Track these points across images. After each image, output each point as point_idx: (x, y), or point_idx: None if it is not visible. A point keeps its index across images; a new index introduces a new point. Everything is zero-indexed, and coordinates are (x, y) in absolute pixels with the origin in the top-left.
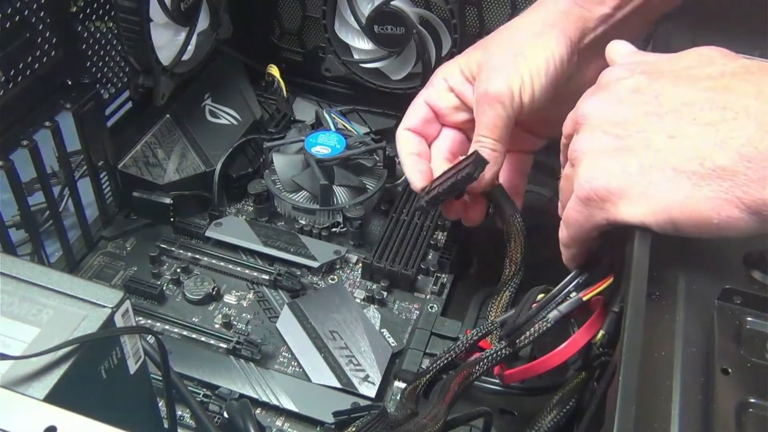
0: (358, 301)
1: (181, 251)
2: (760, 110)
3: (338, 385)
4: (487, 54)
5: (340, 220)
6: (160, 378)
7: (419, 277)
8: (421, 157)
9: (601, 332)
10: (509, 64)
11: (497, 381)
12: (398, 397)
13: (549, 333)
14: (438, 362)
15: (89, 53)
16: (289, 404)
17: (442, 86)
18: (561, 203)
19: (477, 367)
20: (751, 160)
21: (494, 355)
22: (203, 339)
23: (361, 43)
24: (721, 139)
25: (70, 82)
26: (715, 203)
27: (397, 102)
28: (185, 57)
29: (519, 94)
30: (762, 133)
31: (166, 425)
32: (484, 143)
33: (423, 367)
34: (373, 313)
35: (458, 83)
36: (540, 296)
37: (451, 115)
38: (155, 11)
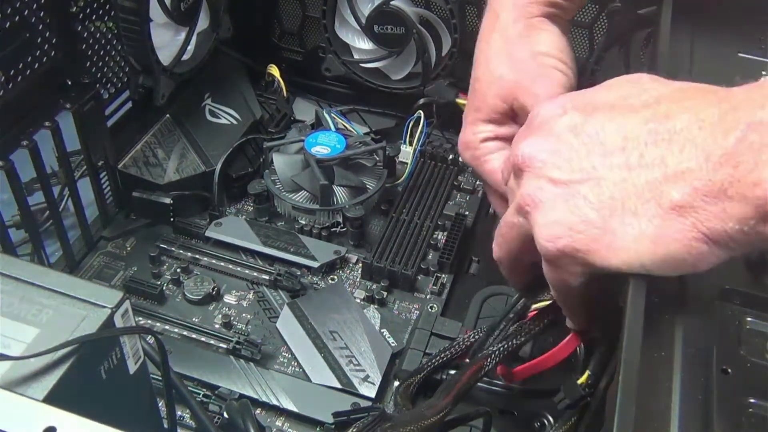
0: (358, 301)
1: (181, 251)
2: (707, 141)
3: (338, 386)
4: (502, 84)
5: (340, 220)
6: (160, 378)
7: (419, 277)
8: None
9: (587, 372)
10: (538, 69)
11: (497, 381)
12: (392, 396)
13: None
14: (433, 361)
15: (89, 53)
16: (289, 404)
17: (491, 146)
18: (498, 245)
19: (488, 361)
20: (707, 193)
21: (504, 348)
22: (203, 339)
23: (361, 43)
24: (673, 174)
25: (70, 82)
26: (683, 243)
27: (397, 102)
28: (185, 57)
29: (569, 83)
30: (712, 164)
31: (166, 425)
32: None
33: None
34: (373, 313)
35: (499, 129)
36: None
37: None
38: (155, 11)
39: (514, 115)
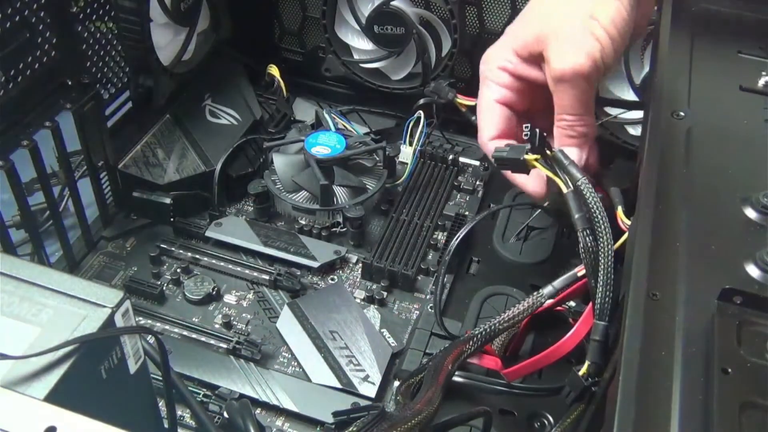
0: (358, 301)
1: (181, 251)
2: None
3: (338, 385)
4: (546, 24)
5: (340, 220)
6: (160, 378)
7: (419, 277)
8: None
9: (587, 363)
10: (580, 31)
11: (497, 380)
12: (393, 395)
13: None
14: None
15: (89, 53)
16: (289, 404)
17: (503, 77)
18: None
19: (469, 344)
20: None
21: (485, 332)
22: (203, 339)
23: (361, 43)
24: None
25: (70, 82)
26: None
27: (397, 102)
28: (185, 57)
29: (601, 60)
30: None
31: (166, 425)
32: (573, 122)
33: None
34: (373, 313)
35: (519, 66)
36: None
37: (521, 102)
38: (155, 11)
39: (539, 58)
